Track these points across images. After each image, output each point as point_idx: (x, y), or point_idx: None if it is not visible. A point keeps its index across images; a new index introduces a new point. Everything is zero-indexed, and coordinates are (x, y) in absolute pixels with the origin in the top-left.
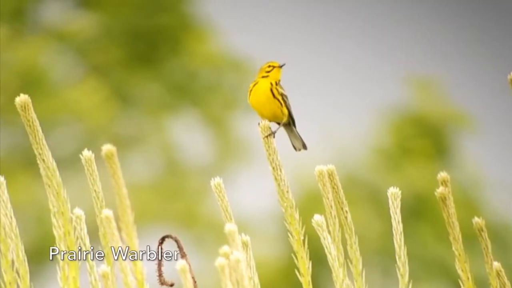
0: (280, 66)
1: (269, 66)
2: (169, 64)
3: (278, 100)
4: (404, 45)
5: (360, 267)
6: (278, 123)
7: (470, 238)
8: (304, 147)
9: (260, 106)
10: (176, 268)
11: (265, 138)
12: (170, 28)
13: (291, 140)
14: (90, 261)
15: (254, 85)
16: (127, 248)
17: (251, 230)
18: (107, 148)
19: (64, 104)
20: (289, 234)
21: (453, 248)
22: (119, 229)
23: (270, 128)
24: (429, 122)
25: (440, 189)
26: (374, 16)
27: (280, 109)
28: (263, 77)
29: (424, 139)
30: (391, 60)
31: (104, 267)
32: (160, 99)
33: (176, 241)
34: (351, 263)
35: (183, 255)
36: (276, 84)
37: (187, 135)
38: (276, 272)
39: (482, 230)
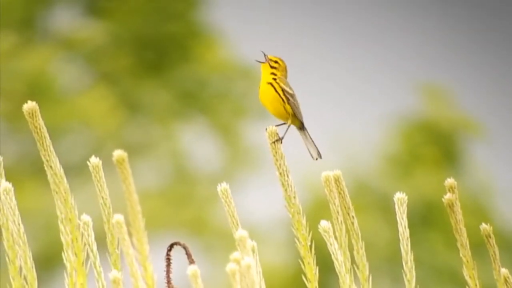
0: (260, 62)
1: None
2: (177, 71)
3: (279, 95)
4: (414, 52)
5: (367, 272)
6: (296, 126)
7: (481, 245)
8: (319, 155)
9: (266, 101)
10: (187, 273)
11: (272, 144)
12: (179, 35)
13: (307, 147)
14: (98, 267)
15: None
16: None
17: (259, 237)
18: (118, 153)
19: (73, 112)
20: (296, 240)
21: (461, 255)
22: (130, 235)
23: (277, 133)
24: (439, 129)
25: (448, 196)
26: (383, 23)
27: (283, 106)
28: (261, 62)
29: (434, 146)
30: (400, 67)
31: (114, 273)
32: (169, 106)
33: (185, 248)
34: (358, 268)
35: (192, 262)
36: (275, 80)
37: (196, 142)
38: (283, 279)
39: (490, 237)
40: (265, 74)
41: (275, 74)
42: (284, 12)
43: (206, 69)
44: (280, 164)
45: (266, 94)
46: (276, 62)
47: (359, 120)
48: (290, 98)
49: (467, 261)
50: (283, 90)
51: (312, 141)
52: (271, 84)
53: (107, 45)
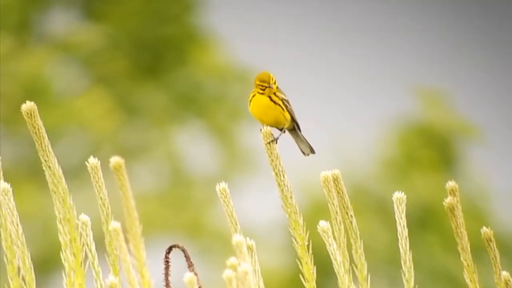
0: (270, 87)
1: (262, 87)
2: (174, 74)
3: (279, 105)
4: (412, 56)
5: (365, 272)
6: (281, 129)
7: (477, 249)
8: (312, 151)
9: (261, 114)
10: (184, 280)
11: (268, 144)
12: (175, 39)
13: (298, 145)
14: (96, 268)
15: (253, 96)
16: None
17: (256, 240)
18: (115, 160)
19: (69, 115)
20: (293, 240)
21: (462, 258)
22: (127, 241)
23: (272, 134)
24: (436, 132)
25: (449, 199)
26: (381, 27)
27: (282, 113)
28: (258, 93)
29: (431, 149)
30: (398, 71)
31: (111, 278)
32: (166, 109)
33: (183, 250)
34: (356, 267)
35: (190, 265)
36: (275, 94)
37: (193, 145)
38: (281, 282)
39: (491, 240)
40: (257, 92)
41: (275, 93)
42: (281, 14)
43: (202, 72)
44: (276, 165)
45: (263, 106)
46: (274, 82)
47: (357, 123)
48: (288, 105)
49: (468, 265)
50: (282, 100)
51: (304, 138)
52: (270, 97)
53: (103, 48)
